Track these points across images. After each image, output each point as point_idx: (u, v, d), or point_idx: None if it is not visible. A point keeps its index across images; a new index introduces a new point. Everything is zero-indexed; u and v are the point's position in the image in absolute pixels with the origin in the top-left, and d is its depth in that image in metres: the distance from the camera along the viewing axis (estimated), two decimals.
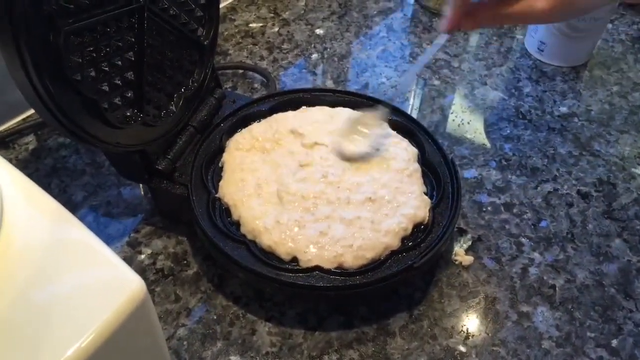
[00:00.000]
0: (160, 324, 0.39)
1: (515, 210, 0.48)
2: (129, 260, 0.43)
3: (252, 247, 0.40)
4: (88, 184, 0.48)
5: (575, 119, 0.56)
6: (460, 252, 0.45)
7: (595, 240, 0.46)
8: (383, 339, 0.40)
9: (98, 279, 0.28)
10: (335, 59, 0.62)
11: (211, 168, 0.45)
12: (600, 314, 0.42)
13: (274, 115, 0.48)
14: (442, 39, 0.41)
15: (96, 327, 0.25)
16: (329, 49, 0.63)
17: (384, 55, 0.62)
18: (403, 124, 0.48)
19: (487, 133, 0.55)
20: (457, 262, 0.44)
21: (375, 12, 0.68)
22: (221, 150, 0.46)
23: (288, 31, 0.64)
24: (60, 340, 0.25)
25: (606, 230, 0.47)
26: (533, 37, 0.62)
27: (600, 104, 0.58)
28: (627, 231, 0.47)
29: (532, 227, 0.47)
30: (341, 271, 0.39)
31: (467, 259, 0.44)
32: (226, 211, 0.42)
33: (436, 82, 0.60)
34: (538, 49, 0.62)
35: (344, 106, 0.49)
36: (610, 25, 0.68)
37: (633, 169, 0.52)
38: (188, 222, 0.43)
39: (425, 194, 0.44)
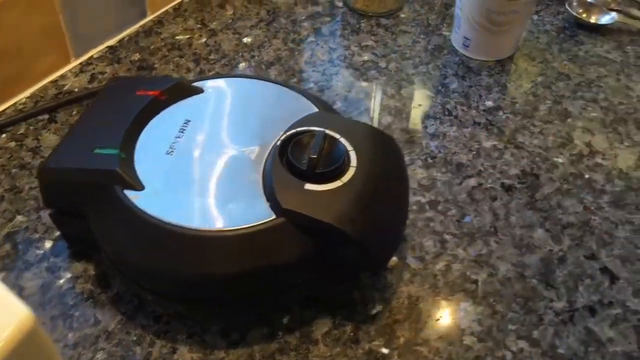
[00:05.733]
0: (79, 349, 0.39)
1: (439, 208, 0.48)
2: (47, 286, 0.42)
3: None
4: (7, 211, 0.47)
5: (500, 112, 0.57)
6: None
7: (518, 232, 0.47)
8: (306, 347, 0.40)
9: None
10: (263, 66, 0.61)
11: None
12: (522, 305, 0.42)
13: None
14: None
15: None
16: (256, 57, 0.62)
17: (312, 60, 0.62)
18: None
19: (414, 132, 0.55)
20: None
21: (303, 17, 0.68)
22: None
23: (215, 41, 0.64)
24: None
25: (529, 221, 0.48)
26: (458, 34, 0.63)
27: (525, 95, 0.59)
28: (550, 221, 0.48)
29: (457, 223, 0.47)
30: None
31: (391, 260, 0.44)
32: None
33: (364, 84, 0.60)
34: (463, 44, 0.63)
35: None
36: (536, 17, 0.69)
37: (555, 158, 0.53)
38: None
39: None
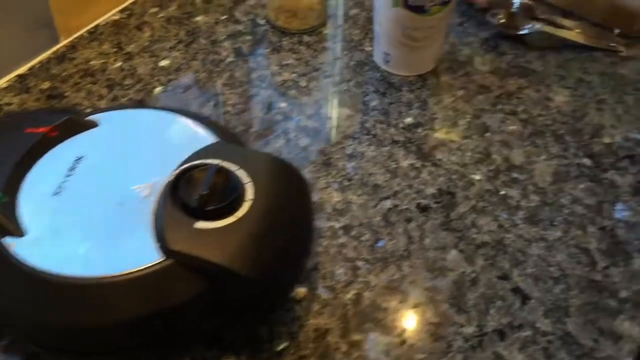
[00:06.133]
0: None
1: (353, 233, 0.47)
2: None
3: None
4: None
5: (420, 129, 0.56)
6: None
7: (432, 254, 0.46)
8: None
9: None
10: (180, 90, 0.60)
11: None
12: (431, 332, 0.41)
13: None
14: None
15: None
16: (173, 81, 0.61)
17: (230, 82, 0.61)
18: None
19: (331, 153, 0.54)
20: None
21: (223, 37, 0.66)
22: None
23: (131, 65, 0.62)
24: None
25: (443, 242, 0.47)
26: (378, 49, 0.62)
27: (445, 110, 0.58)
28: (464, 241, 0.47)
29: (370, 248, 0.46)
30: None
31: (300, 292, 0.43)
32: None
33: (282, 105, 0.58)
34: (384, 60, 0.62)
35: None
36: (460, 28, 0.68)
37: (472, 175, 0.52)
38: None
39: None
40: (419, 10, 0.56)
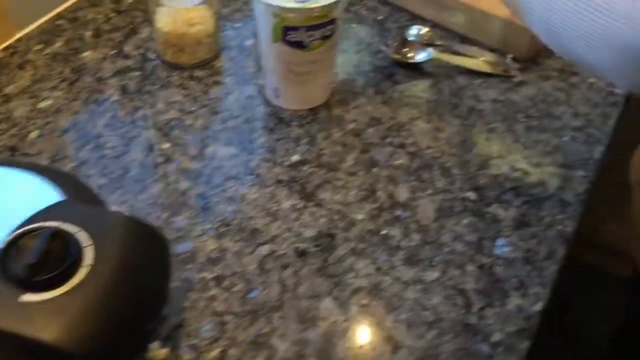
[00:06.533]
0: None
1: (225, 284, 0.46)
2: None
3: None
4: None
5: (306, 167, 0.55)
6: (153, 347, 0.41)
7: (305, 303, 0.44)
8: None
9: None
10: (57, 134, 0.57)
11: None
12: None
13: None
14: None
15: None
16: (51, 124, 0.58)
17: (112, 122, 0.58)
18: None
19: (210, 197, 0.52)
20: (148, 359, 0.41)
21: (110, 74, 0.64)
22: None
23: (7, 109, 0.59)
24: None
25: (317, 290, 0.45)
26: (268, 83, 0.60)
27: (333, 145, 0.57)
28: (339, 287, 0.46)
29: (241, 300, 0.45)
30: None
31: (161, 354, 0.41)
32: None
33: (165, 146, 0.56)
34: (274, 95, 0.60)
35: None
36: (355, 57, 0.67)
37: (355, 215, 0.51)
38: None
39: None
40: (298, 45, 0.54)
